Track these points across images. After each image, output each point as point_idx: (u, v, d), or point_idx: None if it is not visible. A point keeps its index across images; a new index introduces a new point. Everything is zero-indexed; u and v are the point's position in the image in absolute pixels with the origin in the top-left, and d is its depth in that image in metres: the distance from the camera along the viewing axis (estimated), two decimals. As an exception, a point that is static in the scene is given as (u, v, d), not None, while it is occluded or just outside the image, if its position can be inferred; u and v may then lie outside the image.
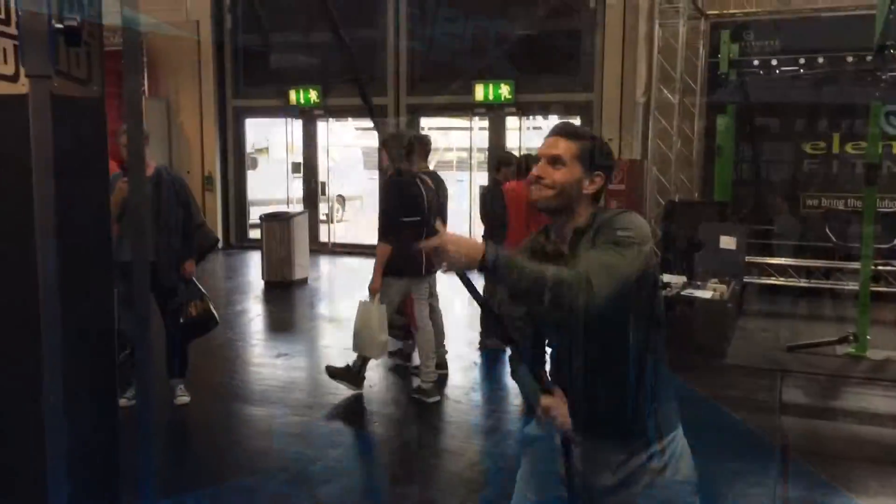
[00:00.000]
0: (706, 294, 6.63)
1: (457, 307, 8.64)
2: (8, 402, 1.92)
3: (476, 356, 6.59)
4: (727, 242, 7.52)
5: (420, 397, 5.32)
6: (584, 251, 1.93)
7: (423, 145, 5.60)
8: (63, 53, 1.81)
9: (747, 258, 8.19)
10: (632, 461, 2.01)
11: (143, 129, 2.12)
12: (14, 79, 1.79)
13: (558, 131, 2.04)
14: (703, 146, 9.43)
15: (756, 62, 8.72)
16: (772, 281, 9.15)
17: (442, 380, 5.65)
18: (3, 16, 1.80)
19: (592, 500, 2.06)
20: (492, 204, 6.49)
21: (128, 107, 2.03)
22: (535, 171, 2.00)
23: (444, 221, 6.30)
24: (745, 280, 8.01)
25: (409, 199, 5.15)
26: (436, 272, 5.52)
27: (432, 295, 5.68)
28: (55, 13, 1.63)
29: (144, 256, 2.09)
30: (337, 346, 7.01)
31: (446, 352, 5.90)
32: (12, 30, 1.77)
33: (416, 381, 5.58)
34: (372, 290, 5.24)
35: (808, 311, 8.27)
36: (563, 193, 1.97)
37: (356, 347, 5.31)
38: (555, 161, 1.98)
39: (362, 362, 5.41)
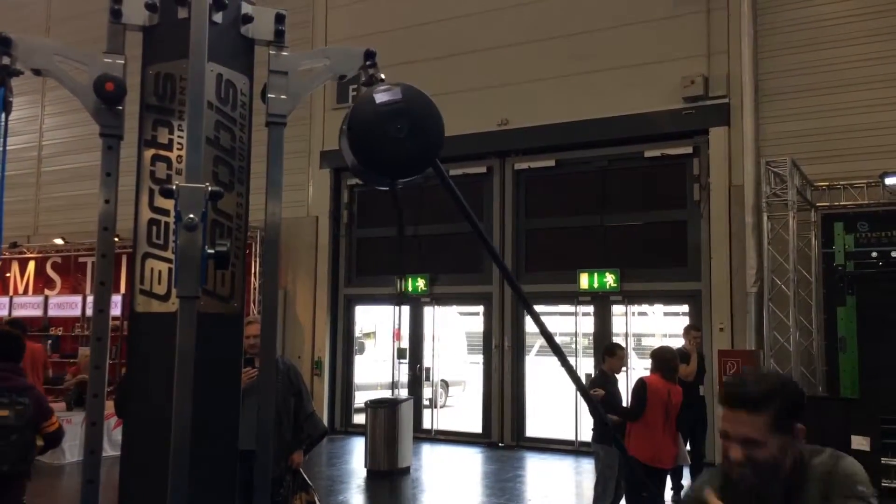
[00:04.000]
0: (842, 502, 6.05)
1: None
2: None
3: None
4: (860, 443, 6.96)
5: None
6: None
7: None
8: (210, 274, 1.97)
9: (883, 459, 7.51)
10: None
11: (276, 327, 2.25)
12: (165, 298, 1.95)
13: (740, 402, 1.82)
14: (824, 338, 9.01)
15: (874, 254, 8.47)
16: (914, 486, 8.30)
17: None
18: (161, 241, 2.01)
19: None
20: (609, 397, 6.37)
21: (264, 318, 2.17)
22: (732, 454, 1.82)
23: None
24: (883, 484, 7.30)
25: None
26: None
27: None
28: (208, 240, 1.80)
29: (269, 452, 2.13)
30: (439, 545, 6.73)
31: None
32: (168, 254, 1.96)
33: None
34: None
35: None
36: (770, 473, 1.81)
37: None
38: (748, 443, 1.80)
39: None
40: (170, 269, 1.94)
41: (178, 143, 2.02)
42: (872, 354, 8.33)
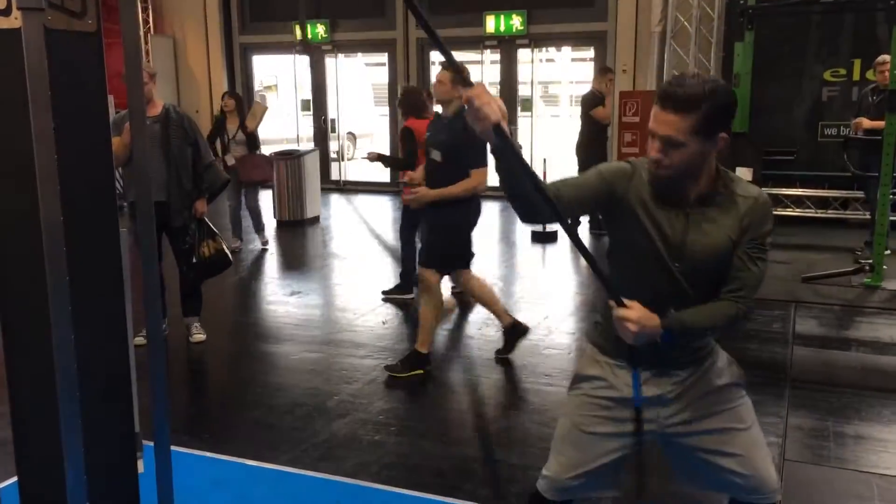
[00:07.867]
0: (721, 226, 6.55)
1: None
2: (18, 348, 1.92)
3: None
4: (743, 173, 7.40)
5: None
6: (720, 228, 1.93)
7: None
8: (55, -15, 1.75)
9: (763, 189, 8.07)
10: (695, 371, 2.09)
11: (143, 64, 2.06)
12: (7, 12, 1.74)
13: (669, 102, 1.81)
14: (721, 76, 9.20)
15: (776, -13, 8.41)
16: (788, 212, 9.06)
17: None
18: (-9, -54, 1.74)
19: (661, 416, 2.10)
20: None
21: (125, 40, 1.97)
22: (650, 151, 1.86)
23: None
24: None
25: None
26: None
27: None
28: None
29: (149, 196, 2.06)
30: (348, 284, 7.05)
31: None
32: (2, -39, 1.71)
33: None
34: None
35: (825, 241, 8.20)
36: (685, 172, 1.88)
37: None
38: (669, 143, 1.82)
39: None
40: (5, -21, 1.71)
41: None
42: (764, 90, 8.61)
